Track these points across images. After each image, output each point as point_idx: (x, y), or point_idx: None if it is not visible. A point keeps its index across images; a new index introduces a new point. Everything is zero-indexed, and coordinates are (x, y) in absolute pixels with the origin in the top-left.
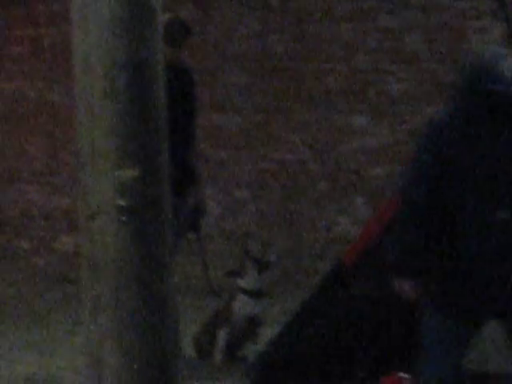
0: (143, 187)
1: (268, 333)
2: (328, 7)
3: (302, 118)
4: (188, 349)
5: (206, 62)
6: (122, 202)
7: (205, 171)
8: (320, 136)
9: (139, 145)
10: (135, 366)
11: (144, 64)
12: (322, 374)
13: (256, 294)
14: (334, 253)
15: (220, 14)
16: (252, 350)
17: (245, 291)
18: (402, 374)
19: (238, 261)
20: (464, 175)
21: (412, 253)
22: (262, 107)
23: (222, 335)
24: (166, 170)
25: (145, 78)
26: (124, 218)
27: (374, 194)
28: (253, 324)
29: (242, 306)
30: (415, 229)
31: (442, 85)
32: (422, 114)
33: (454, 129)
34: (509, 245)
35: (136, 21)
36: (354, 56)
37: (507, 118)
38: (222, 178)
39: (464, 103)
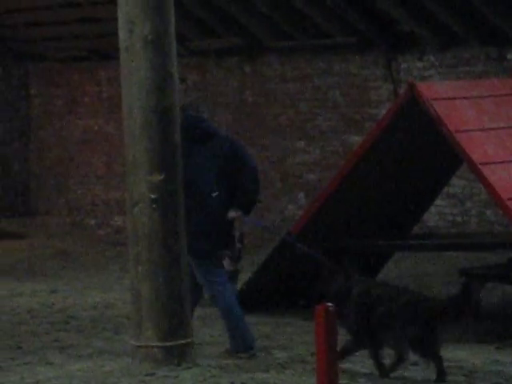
0: (165, 186)
1: (243, 277)
2: (281, 73)
3: (264, 143)
4: None
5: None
6: (152, 196)
7: None
8: (276, 154)
9: (163, 160)
10: (160, 297)
11: (167, 109)
12: (278, 302)
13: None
14: (285, 227)
15: (213, 77)
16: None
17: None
18: (329, 304)
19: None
20: (193, 172)
21: None
22: (239, 135)
23: None
24: (180, 176)
25: (167, 118)
26: (154, 206)
27: (310, 191)
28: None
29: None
30: None
31: (352, 121)
32: (340, 140)
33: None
34: (218, 212)
35: (161, 81)
36: (297, 104)
37: (202, 138)
38: None
39: (184, 129)
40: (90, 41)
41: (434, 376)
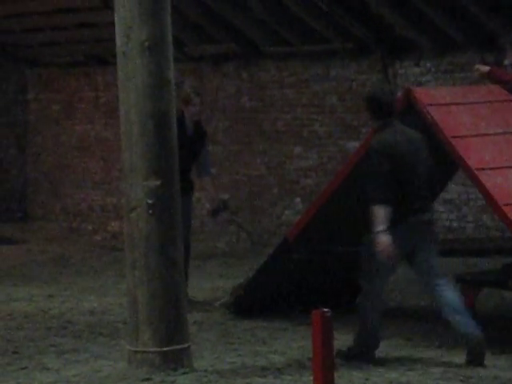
0: (162, 191)
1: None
2: (278, 78)
3: (261, 148)
4: (190, 291)
5: (202, 113)
6: (149, 201)
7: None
8: (273, 159)
9: (160, 165)
10: (157, 302)
11: (163, 115)
12: (275, 307)
13: None
14: (282, 232)
15: (210, 82)
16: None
17: None
18: (325, 309)
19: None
20: None
21: None
22: (236, 141)
23: None
24: (177, 181)
25: (164, 123)
26: (151, 211)
27: (307, 196)
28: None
29: None
30: None
31: (349, 126)
32: (337, 145)
33: None
34: None
35: (158, 87)
36: (294, 109)
37: None
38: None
39: None
40: (87, 46)
41: (430, 381)
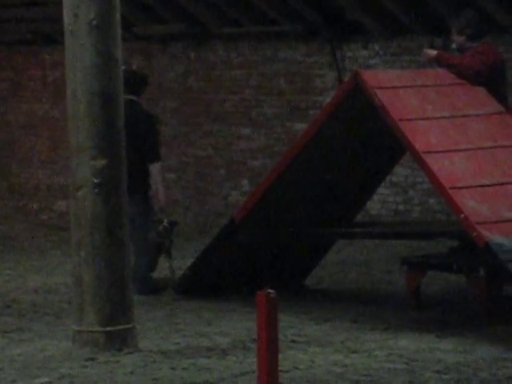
0: (109, 171)
1: (187, 263)
2: (227, 59)
3: (209, 129)
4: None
5: (149, 93)
6: (96, 180)
7: None
8: (221, 140)
9: (107, 144)
10: (102, 282)
11: (111, 94)
12: (221, 288)
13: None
14: (228, 213)
15: (158, 62)
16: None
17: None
18: (270, 290)
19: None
20: None
21: None
22: (184, 122)
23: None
24: (124, 160)
25: (111, 102)
26: (97, 191)
27: (254, 177)
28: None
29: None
30: None
31: (297, 108)
32: (284, 127)
33: None
34: None
35: (106, 67)
36: (242, 90)
37: None
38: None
39: None
40: (35, 24)
41: (375, 363)
